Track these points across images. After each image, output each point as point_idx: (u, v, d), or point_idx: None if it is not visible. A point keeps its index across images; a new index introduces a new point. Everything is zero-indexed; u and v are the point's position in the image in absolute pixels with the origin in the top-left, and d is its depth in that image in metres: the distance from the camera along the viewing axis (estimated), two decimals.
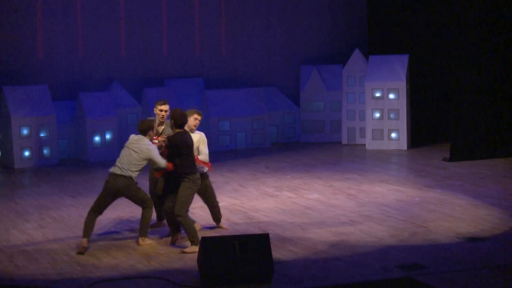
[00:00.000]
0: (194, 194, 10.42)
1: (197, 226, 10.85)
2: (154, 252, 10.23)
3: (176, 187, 10.41)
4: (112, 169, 10.44)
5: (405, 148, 18.20)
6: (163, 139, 10.63)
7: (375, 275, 9.16)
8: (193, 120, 10.75)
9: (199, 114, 10.87)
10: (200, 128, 11.93)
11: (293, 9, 20.24)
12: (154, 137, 10.69)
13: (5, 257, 10.14)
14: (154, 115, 11.22)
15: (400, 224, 11.40)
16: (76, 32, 18.41)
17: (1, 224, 11.88)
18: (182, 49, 19.39)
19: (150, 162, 10.51)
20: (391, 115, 18.26)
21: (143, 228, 10.55)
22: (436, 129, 19.57)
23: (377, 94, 18.30)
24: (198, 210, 12.06)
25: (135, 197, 10.47)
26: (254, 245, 8.88)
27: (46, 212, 12.62)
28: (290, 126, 19.73)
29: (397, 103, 18.22)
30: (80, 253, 10.16)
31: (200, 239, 9.20)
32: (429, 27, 19.31)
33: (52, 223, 11.90)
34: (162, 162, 10.33)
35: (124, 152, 10.50)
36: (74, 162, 17.48)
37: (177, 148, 10.23)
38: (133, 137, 10.59)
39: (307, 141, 19.54)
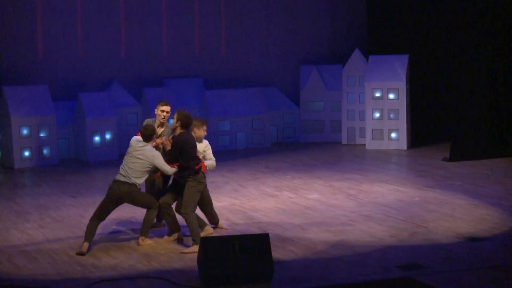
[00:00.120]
0: (199, 193, 10.42)
1: (209, 230, 10.84)
2: (154, 252, 10.23)
3: (177, 186, 10.44)
4: (117, 177, 10.40)
5: (405, 148, 18.20)
6: (161, 141, 10.59)
7: (375, 275, 9.16)
8: (203, 131, 10.79)
9: (207, 126, 10.95)
10: None
11: (293, 9, 20.23)
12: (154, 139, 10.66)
13: (5, 257, 10.14)
14: (154, 115, 11.20)
15: (400, 224, 11.40)
16: (76, 32, 18.41)
17: (1, 224, 11.88)
18: (182, 49, 19.39)
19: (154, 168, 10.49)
20: (391, 115, 18.26)
21: (144, 228, 10.55)
22: (436, 129, 19.58)
23: (377, 94, 18.30)
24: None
25: (139, 202, 10.47)
26: (254, 245, 8.88)
27: (46, 212, 12.62)
28: (290, 126, 19.73)
29: (397, 103, 18.22)
30: (80, 254, 10.15)
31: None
32: (429, 27, 19.31)
33: (52, 223, 11.90)
34: (168, 168, 10.32)
35: (127, 159, 10.42)
36: (74, 162, 17.48)
37: (182, 148, 10.24)
38: (136, 143, 10.48)
39: (307, 141, 19.54)
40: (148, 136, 10.44)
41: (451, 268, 9.33)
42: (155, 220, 11.28)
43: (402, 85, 18.17)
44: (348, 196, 13.40)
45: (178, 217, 10.75)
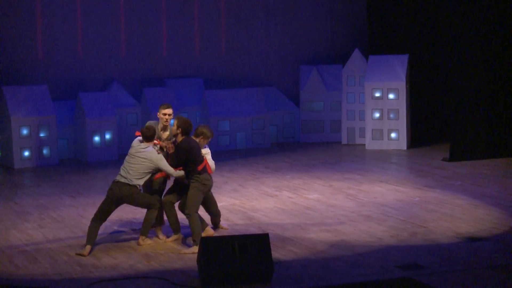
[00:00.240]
0: (202, 194, 10.41)
1: (210, 231, 10.84)
2: (154, 252, 10.23)
3: (180, 185, 10.50)
4: (117, 178, 10.38)
5: (405, 148, 18.20)
6: (165, 144, 10.60)
7: (375, 275, 9.16)
8: (206, 140, 10.78)
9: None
10: None
11: (293, 9, 20.24)
12: (156, 142, 10.64)
13: (5, 257, 10.14)
14: (154, 115, 11.20)
15: (400, 224, 11.40)
16: (76, 32, 18.41)
17: (1, 224, 11.88)
18: (182, 49, 19.39)
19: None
20: (391, 115, 18.26)
21: (145, 228, 10.55)
22: (436, 129, 19.58)
23: (377, 94, 18.30)
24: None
25: (140, 203, 10.47)
26: (254, 245, 8.88)
27: (45, 212, 12.62)
28: (290, 126, 19.73)
29: (396, 103, 18.22)
30: (80, 255, 10.15)
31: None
32: (429, 27, 19.31)
33: (52, 223, 11.90)
34: (171, 170, 10.33)
35: (129, 160, 10.40)
36: (73, 162, 17.48)
37: (186, 153, 10.25)
38: (138, 144, 10.47)
39: (307, 141, 19.54)
40: (150, 136, 10.43)
41: (451, 268, 9.33)
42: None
43: (402, 85, 18.17)
44: (348, 196, 13.40)
45: (180, 217, 10.76)
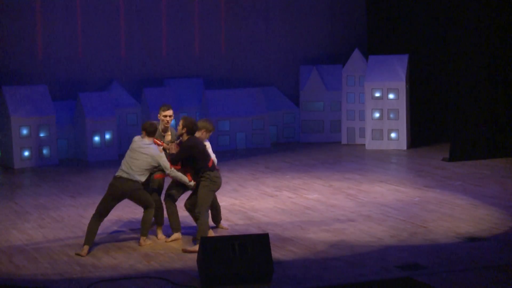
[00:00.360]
0: (212, 192, 10.41)
1: (210, 233, 10.84)
2: (154, 252, 10.23)
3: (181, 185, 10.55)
4: (119, 173, 10.35)
5: (405, 148, 18.20)
6: (168, 146, 10.60)
7: (375, 275, 9.16)
8: (208, 134, 10.78)
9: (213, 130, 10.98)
10: None
11: (293, 9, 20.23)
12: (160, 142, 10.63)
13: (5, 257, 10.14)
14: (154, 115, 11.19)
15: (400, 224, 11.40)
16: (76, 32, 18.41)
17: (1, 224, 11.88)
18: (182, 49, 19.39)
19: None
20: (391, 115, 18.26)
21: (145, 229, 10.55)
22: (436, 129, 19.58)
23: (377, 94, 18.30)
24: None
25: (139, 199, 10.45)
26: (254, 245, 8.89)
27: (45, 212, 12.62)
28: (289, 126, 19.73)
29: (396, 103, 18.22)
30: (79, 255, 10.14)
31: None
32: (429, 27, 19.31)
33: (52, 223, 11.90)
34: (169, 168, 10.33)
35: (132, 155, 10.37)
36: (73, 162, 17.48)
37: (189, 150, 10.26)
38: (140, 140, 10.46)
39: (306, 141, 19.54)
40: (153, 132, 10.44)
41: (451, 268, 9.33)
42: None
43: (402, 85, 18.17)
44: (347, 196, 13.40)
45: (181, 216, 10.76)
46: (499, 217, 11.67)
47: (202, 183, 10.35)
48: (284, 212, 12.34)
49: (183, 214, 11.10)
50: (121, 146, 17.47)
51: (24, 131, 16.92)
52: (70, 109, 17.94)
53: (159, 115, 10.91)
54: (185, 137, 10.39)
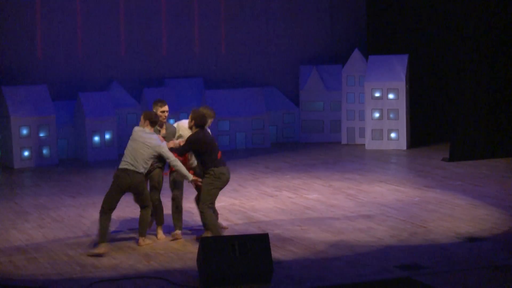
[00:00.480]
0: (217, 189, 10.36)
1: (219, 225, 10.86)
2: (154, 252, 10.23)
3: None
4: (125, 166, 10.21)
5: (405, 148, 18.20)
6: (172, 145, 10.60)
7: (375, 275, 9.16)
8: (210, 120, 10.78)
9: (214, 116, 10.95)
10: None
11: (293, 9, 20.24)
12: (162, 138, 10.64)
13: (5, 257, 10.14)
14: None
15: (400, 224, 11.40)
16: (76, 32, 18.41)
17: (1, 224, 11.88)
18: (182, 49, 19.39)
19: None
20: (391, 115, 18.26)
21: (143, 228, 10.54)
22: (436, 129, 19.57)
23: (377, 94, 18.30)
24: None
25: (141, 195, 10.37)
26: (254, 245, 8.88)
27: (45, 212, 12.62)
28: (289, 126, 19.74)
29: (396, 103, 18.22)
30: (96, 255, 10.08)
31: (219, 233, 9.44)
32: (429, 27, 19.31)
33: (52, 223, 11.90)
34: (171, 157, 10.29)
35: (134, 146, 10.26)
36: (73, 162, 17.48)
37: (192, 147, 10.26)
38: (142, 130, 10.38)
39: (306, 141, 19.54)
40: (155, 122, 10.42)
41: (451, 268, 9.32)
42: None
43: (402, 85, 18.17)
44: (347, 196, 13.40)
45: (185, 214, 10.76)
46: (499, 217, 11.67)
47: (205, 180, 10.32)
48: (284, 212, 12.34)
49: (186, 214, 11.09)
50: (121, 146, 17.46)
51: (24, 131, 16.92)
52: (70, 109, 17.94)
53: (155, 111, 10.84)
54: (193, 130, 10.40)
